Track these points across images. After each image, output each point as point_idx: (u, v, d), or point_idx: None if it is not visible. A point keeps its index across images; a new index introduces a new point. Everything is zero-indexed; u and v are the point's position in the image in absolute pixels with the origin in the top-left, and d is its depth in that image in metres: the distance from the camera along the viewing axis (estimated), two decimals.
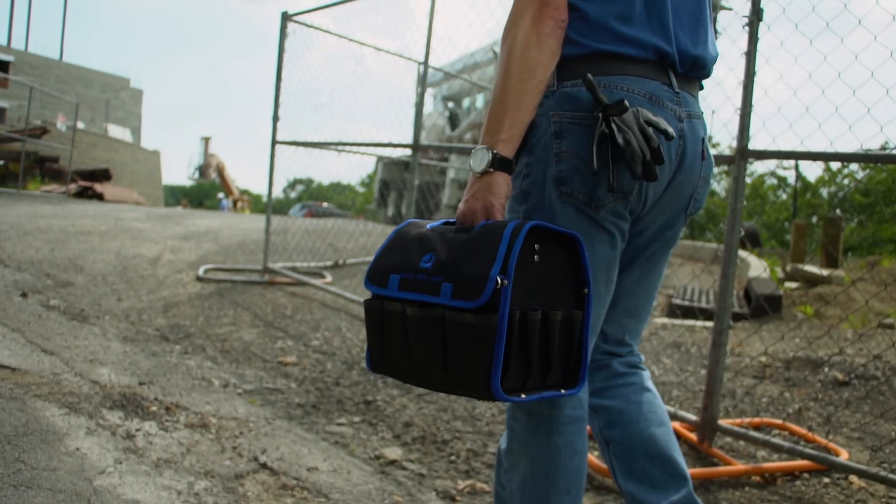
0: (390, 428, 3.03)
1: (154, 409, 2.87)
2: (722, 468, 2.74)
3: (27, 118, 14.75)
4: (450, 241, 1.27)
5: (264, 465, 2.45)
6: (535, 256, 1.24)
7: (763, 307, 6.70)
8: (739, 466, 2.75)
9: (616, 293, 1.51)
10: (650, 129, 1.27)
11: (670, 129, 1.30)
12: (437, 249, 1.27)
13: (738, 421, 3.22)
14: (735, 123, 2.93)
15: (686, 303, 6.86)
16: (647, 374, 1.62)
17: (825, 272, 8.41)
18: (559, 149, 1.32)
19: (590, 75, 1.28)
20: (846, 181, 20.33)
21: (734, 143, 2.95)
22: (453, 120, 20.08)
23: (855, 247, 18.71)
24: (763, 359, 4.71)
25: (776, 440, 2.83)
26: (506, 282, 1.16)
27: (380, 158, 19.57)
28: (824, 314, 6.79)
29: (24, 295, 4.77)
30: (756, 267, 9.50)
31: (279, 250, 7.48)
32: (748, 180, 25.23)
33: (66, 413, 2.65)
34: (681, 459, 1.50)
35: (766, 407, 3.67)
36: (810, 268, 8.37)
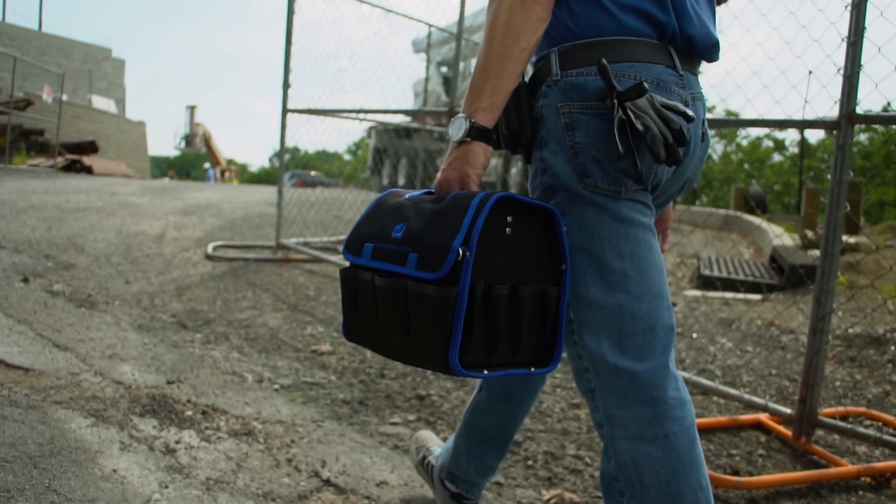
0: (451, 427, 2.71)
1: (189, 413, 2.54)
2: (833, 470, 2.45)
3: (11, 90, 14.15)
4: (421, 211, 1.25)
5: (328, 482, 2.13)
6: (508, 229, 1.21)
7: (798, 277, 6.42)
8: (850, 467, 2.46)
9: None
10: (668, 113, 1.23)
11: (689, 112, 1.26)
12: (409, 219, 1.25)
13: (830, 411, 2.92)
14: (837, 85, 2.60)
15: (722, 275, 6.56)
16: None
17: (851, 239, 8.14)
18: (573, 141, 1.27)
19: (604, 60, 1.23)
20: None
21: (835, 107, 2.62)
22: (448, 85, 19.59)
23: (865, 211, 18.54)
24: None
25: (888, 437, 2.54)
26: (468, 253, 1.13)
27: (373, 126, 19.12)
28: (856, 283, 6.52)
29: (25, 280, 4.40)
30: (775, 234, 9.22)
31: (285, 224, 7.13)
32: (744, 143, 24.98)
33: (93, 424, 2.32)
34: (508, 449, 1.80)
35: (844, 393, 3.38)
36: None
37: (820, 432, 2.82)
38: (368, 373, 3.27)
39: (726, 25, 2.92)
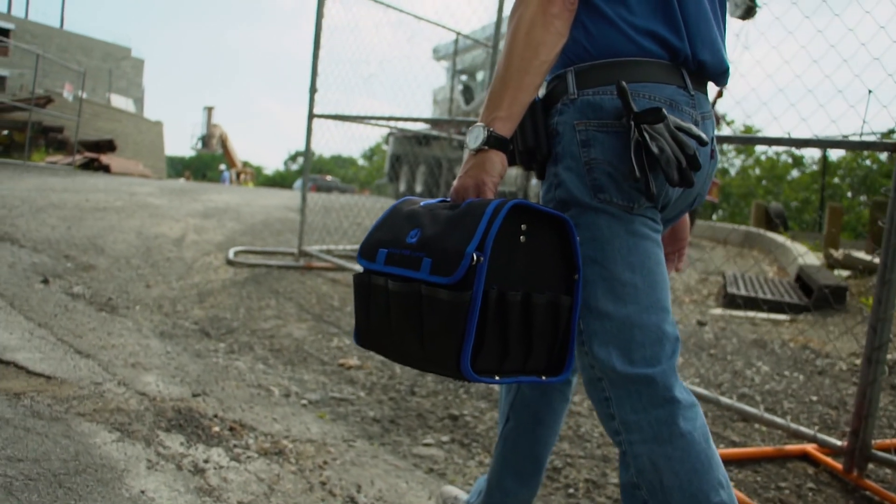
0: (486, 450, 2.60)
1: (217, 429, 2.44)
2: None
3: (33, 87, 14.16)
4: (436, 217, 1.26)
5: None
6: (522, 237, 1.22)
7: (825, 298, 6.27)
8: None
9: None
10: (682, 135, 1.25)
11: (703, 135, 1.28)
12: (424, 225, 1.26)
13: (885, 443, 2.79)
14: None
15: (749, 294, 6.42)
16: (575, 380, 1.67)
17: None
18: (588, 157, 1.30)
19: (623, 83, 1.26)
20: (867, 162, 19.84)
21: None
22: (467, 94, 19.50)
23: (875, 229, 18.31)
24: (855, 361, 4.31)
25: None
26: (481, 259, 1.14)
27: (391, 132, 19.05)
28: None
29: (45, 281, 4.33)
30: (799, 252, 9.06)
31: (307, 230, 7.04)
32: (762, 157, 24.75)
33: (118, 439, 2.22)
34: (547, 461, 1.69)
35: (889, 423, 3.25)
36: (864, 255, 7.94)
37: (870, 465, 2.69)
38: (398, 390, 3.16)
39: (778, 40, 2.85)
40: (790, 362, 4.20)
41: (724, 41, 1.44)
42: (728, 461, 2.67)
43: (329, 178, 35.51)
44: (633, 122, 1.25)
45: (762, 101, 3.16)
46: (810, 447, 2.77)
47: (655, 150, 1.22)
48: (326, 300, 4.60)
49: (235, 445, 2.33)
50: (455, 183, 1.29)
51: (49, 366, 2.80)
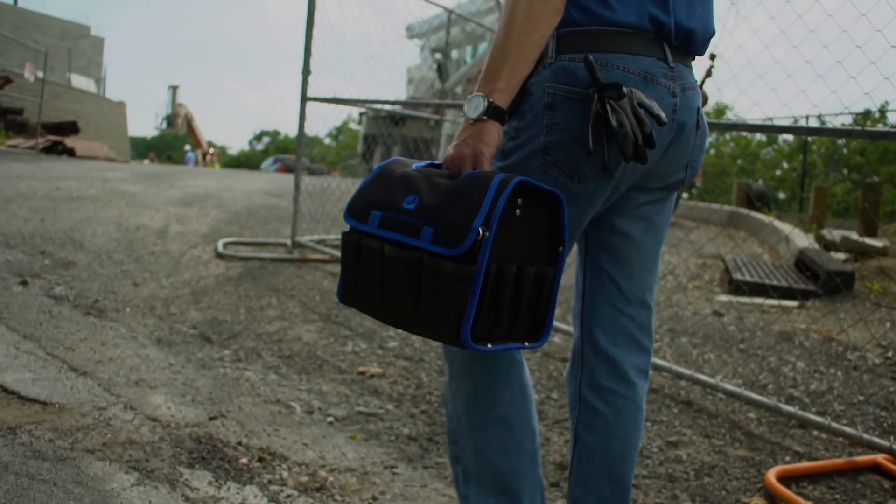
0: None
1: (244, 461, 2.15)
2: None
3: None
4: (435, 185, 1.26)
5: None
6: (518, 210, 1.24)
7: (833, 284, 6.12)
8: None
9: (626, 248, 1.50)
10: (643, 112, 1.27)
11: (663, 115, 1.30)
12: (422, 192, 1.26)
13: None
14: None
15: (753, 279, 6.23)
16: (646, 387, 1.57)
17: (879, 243, 7.86)
18: (550, 120, 1.33)
19: (591, 57, 1.29)
20: (841, 141, 19.85)
21: None
22: (441, 72, 19.13)
23: (853, 209, 18.34)
24: (886, 354, 4.13)
25: None
26: (487, 234, 1.17)
27: (363, 111, 18.63)
28: (889, 290, 6.24)
29: (24, 282, 3.96)
30: (792, 235, 8.92)
31: (283, 218, 6.69)
32: (732, 135, 24.73)
33: (138, 482, 1.92)
34: (631, 480, 1.54)
35: None
36: (865, 239, 7.81)
37: None
38: (429, 401, 2.89)
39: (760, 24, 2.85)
40: (822, 357, 4.00)
41: (709, 7, 1.46)
42: (800, 476, 2.46)
43: None
44: (596, 94, 1.27)
45: (741, 89, 3.18)
46: (881, 457, 2.56)
47: (615, 123, 1.24)
48: (331, 297, 4.30)
49: (270, 481, 2.05)
50: (450, 150, 1.30)
51: (43, 388, 2.48)
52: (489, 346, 1.24)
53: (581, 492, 1.53)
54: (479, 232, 1.16)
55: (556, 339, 3.87)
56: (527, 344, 1.31)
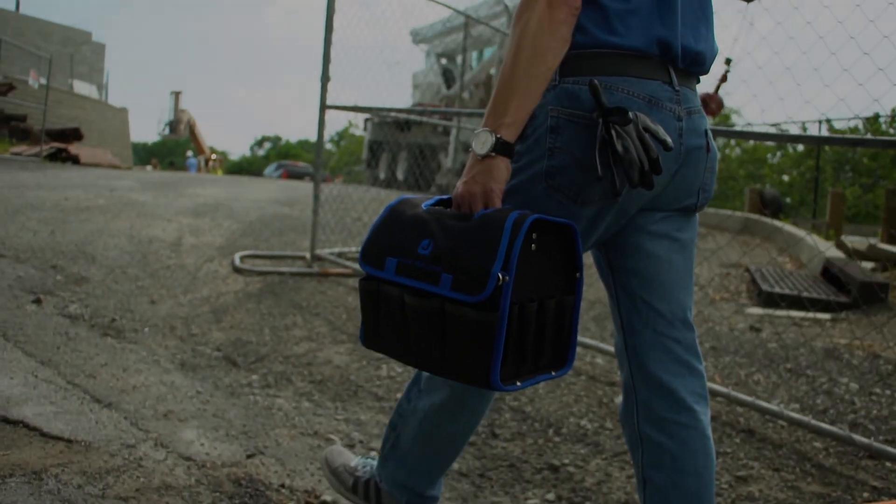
0: None
1: None
2: None
3: None
4: (448, 228, 1.25)
5: None
6: (533, 245, 1.24)
7: (867, 295, 5.93)
8: None
9: (654, 268, 1.44)
10: (648, 137, 1.25)
11: (669, 140, 1.28)
12: (436, 235, 1.25)
13: None
14: None
15: (782, 291, 6.04)
16: (708, 411, 1.47)
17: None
18: (553, 144, 1.31)
19: (595, 81, 1.27)
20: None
21: None
22: (447, 77, 18.94)
23: (863, 214, 18.16)
24: None
25: None
26: (507, 278, 1.16)
27: (368, 118, 18.46)
28: None
29: (37, 300, 3.78)
30: (811, 242, 8.72)
31: (306, 229, 6.50)
32: (732, 141, 24.55)
33: None
34: None
35: None
36: (893, 247, 7.61)
37: None
38: (476, 431, 2.70)
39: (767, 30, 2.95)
40: (872, 377, 3.81)
41: (712, 28, 1.45)
42: None
43: (300, 164, 34.64)
44: (601, 119, 1.26)
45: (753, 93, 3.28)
46: None
47: (620, 149, 1.23)
48: (357, 315, 4.11)
49: None
50: (459, 188, 1.27)
51: (66, 424, 2.29)
52: (518, 383, 1.24)
53: None
54: (499, 278, 1.15)
55: (600, 360, 3.68)
56: (553, 373, 1.32)
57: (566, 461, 2.49)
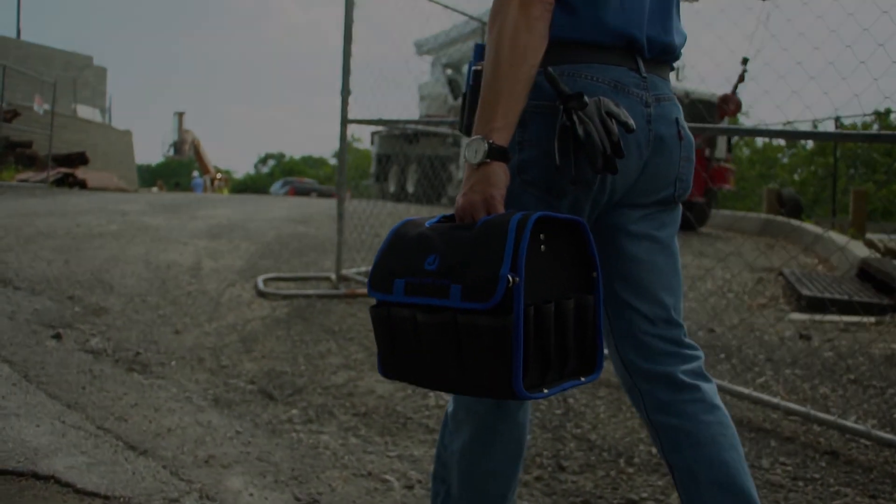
0: None
1: None
2: None
3: (2, 100, 13.14)
4: (452, 241, 1.22)
5: None
6: (542, 246, 1.21)
7: None
8: None
9: (636, 271, 1.42)
10: (612, 122, 1.25)
11: (631, 122, 1.27)
12: (441, 249, 1.22)
13: None
14: None
15: (823, 294, 5.82)
16: (713, 386, 1.44)
17: None
18: (522, 137, 1.31)
19: (550, 69, 1.27)
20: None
21: None
22: (454, 88, 18.76)
23: (879, 210, 17.91)
24: None
25: None
26: (517, 279, 1.12)
27: (375, 131, 18.30)
28: None
29: (57, 336, 3.58)
30: (840, 242, 8.49)
31: (325, 248, 6.31)
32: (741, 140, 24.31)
33: None
34: (753, 490, 1.35)
35: None
36: None
37: None
38: (542, 465, 2.49)
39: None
40: None
41: (678, 14, 1.45)
42: None
43: (306, 180, 34.50)
44: (561, 106, 1.25)
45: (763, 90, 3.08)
46: None
47: (581, 134, 1.22)
48: None
49: None
50: (460, 201, 1.25)
51: (101, 477, 2.09)
52: (544, 391, 1.20)
53: None
54: (508, 280, 1.12)
55: None
56: (582, 379, 1.27)
57: (644, 495, 2.27)
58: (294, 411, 2.89)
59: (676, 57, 1.45)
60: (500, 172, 1.24)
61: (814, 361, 3.96)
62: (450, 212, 1.32)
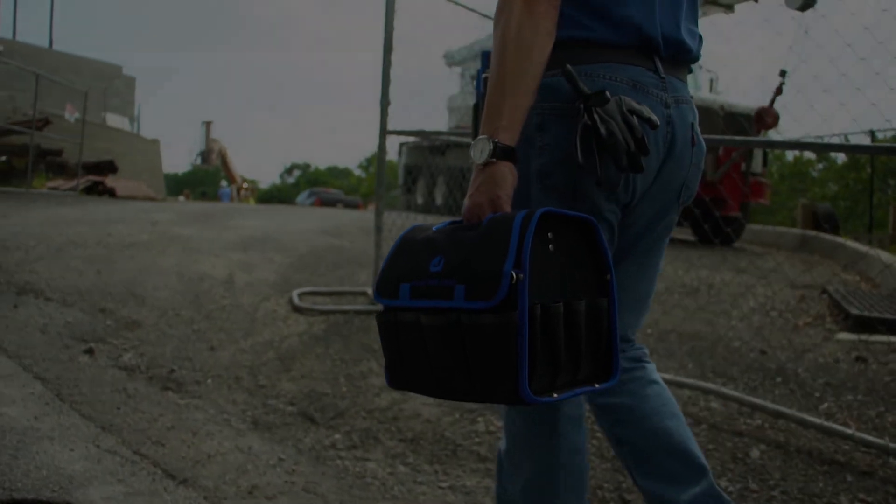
0: None
1: None
2: None
3: (34, 108, 13.20)
4: (458, 241, 1.19)
5: None
6: (550, 245, 1.17)
7: None
8: None
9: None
10: (634, 119, 1.22)
11: (654, 117, 1.25)
12: (446, 251, 1.19)
13: None
14: None
15: (872, 314, 5.59)
16: (653, 366, 1.51)
17: None
18: (542, 142, 1.29)
19: (569, 66, 1.25)
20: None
21: None
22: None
23: None
24: None
25: None
26: (521, 276, 1.08)
27: (404, 143, 18.24)
28: None
29: (89, 351, 3.47)
30: (886, 260, 8.23)
31: (361, 262, 6.18)
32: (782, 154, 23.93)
33: None
34: (698, 451, 1.42)
35: None
36: None
37: None
38: (603, 497, 2.32)
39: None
40: None
41: (695, 13, 1.43)
42: None
43: (332, 190, 34.52)
44: (582, 105, 1.22)
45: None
46: None
47: (604, 133, 1.19)
48: None
49: None
50: (466, 202, 1.22)
51: None
52: (554, 395, 1.15)
53: (654, 483, 1.42)
54: (512, 276, 1.08)
55: (715, 404, 3.28)
56: (597, 385, 1.23)
57: None
58: (337, 436, 2.75)
59: (694, 59, 1.43)
60: (507, 172, 1.21)
61: (874, 386, 3.76)
62: (458, 218, 1.29)
